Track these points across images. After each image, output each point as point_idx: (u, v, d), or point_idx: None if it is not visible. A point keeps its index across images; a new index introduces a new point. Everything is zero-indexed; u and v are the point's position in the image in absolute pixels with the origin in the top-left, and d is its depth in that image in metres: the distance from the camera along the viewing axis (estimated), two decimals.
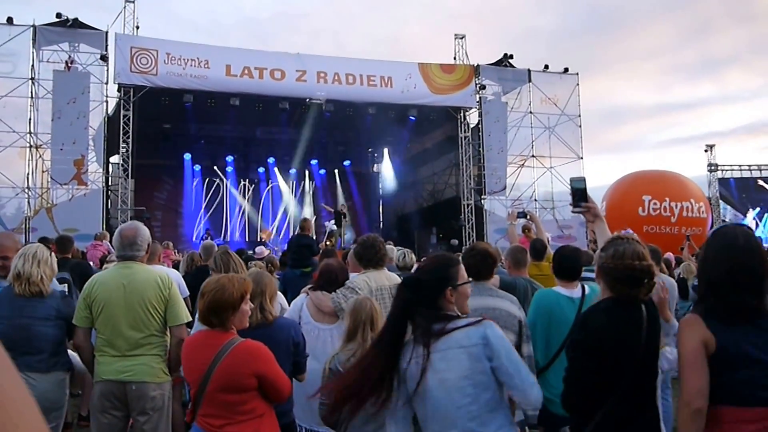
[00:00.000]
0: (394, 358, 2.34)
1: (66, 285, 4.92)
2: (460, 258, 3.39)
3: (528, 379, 2.32)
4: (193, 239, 20.07)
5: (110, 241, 11.41)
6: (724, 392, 2.15)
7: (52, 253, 3.84)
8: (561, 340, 3.52)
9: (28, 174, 16.05)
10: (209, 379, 2.71)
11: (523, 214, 7.28)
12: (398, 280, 4.20)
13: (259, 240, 21.14)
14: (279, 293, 3.82)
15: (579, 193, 2.93)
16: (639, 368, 2.30)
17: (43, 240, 7.95)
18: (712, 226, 18.62)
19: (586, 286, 3.75)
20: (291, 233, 21.75)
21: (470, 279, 2.74)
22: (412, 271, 5.64)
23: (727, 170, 24.94)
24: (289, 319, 3.74)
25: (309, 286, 4.23)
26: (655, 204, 19.36)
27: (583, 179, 2.96)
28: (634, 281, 2.38)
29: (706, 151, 24.96)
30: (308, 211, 22.87)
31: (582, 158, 20.15)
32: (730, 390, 2.15)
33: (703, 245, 2.52)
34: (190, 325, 3.73)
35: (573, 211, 3.00)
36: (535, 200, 20.00)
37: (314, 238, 9.38)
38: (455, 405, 2.26)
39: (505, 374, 2.29)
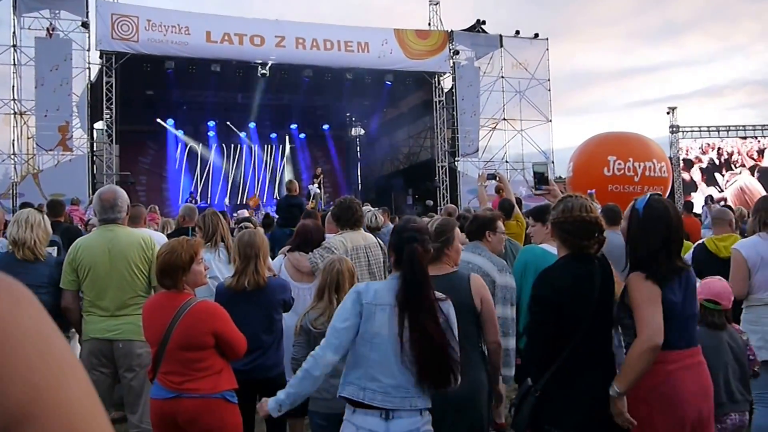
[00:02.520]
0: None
1: (55, 248, 4.88)
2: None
3: None
4: (179, 203, 20.47)
5: (88, 205, 11.78)
6: None
7: (45, 216, 3.88)
8: None
9: (13, 140, 16.15)
10: (169, 338, 2.81)
11: (492, 176, 7.38)
12: (374, 240, 4.42)
13: (243, 203, 21.58)
14: None
15: (540, 177, 3.21)
16: (593, 319, 2.46)
17: (27, 205, 7.79)
18: (672, 186, 19.64)
19: None
20: (274, 196, 22.29)
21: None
22: (384, 230, 5.84)
23: (687, 131, 25.73)
24: (281, 279, 3.86)
25: (287, 247, 4.36)
26: (619, 164, 20.07)
27: (545, 164, 3.18)
28: (584, 233, 2.52)
29: (668, 113, 25.45)
30: (289, 174, 23.34)
31: (551, 121, 20.71)
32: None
33: (634, 215, 2.64)
34: None
35: (535, 194, 3.28)
36: (507, 161, 20.55)
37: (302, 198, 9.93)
38: (400, 361, 2.40)
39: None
